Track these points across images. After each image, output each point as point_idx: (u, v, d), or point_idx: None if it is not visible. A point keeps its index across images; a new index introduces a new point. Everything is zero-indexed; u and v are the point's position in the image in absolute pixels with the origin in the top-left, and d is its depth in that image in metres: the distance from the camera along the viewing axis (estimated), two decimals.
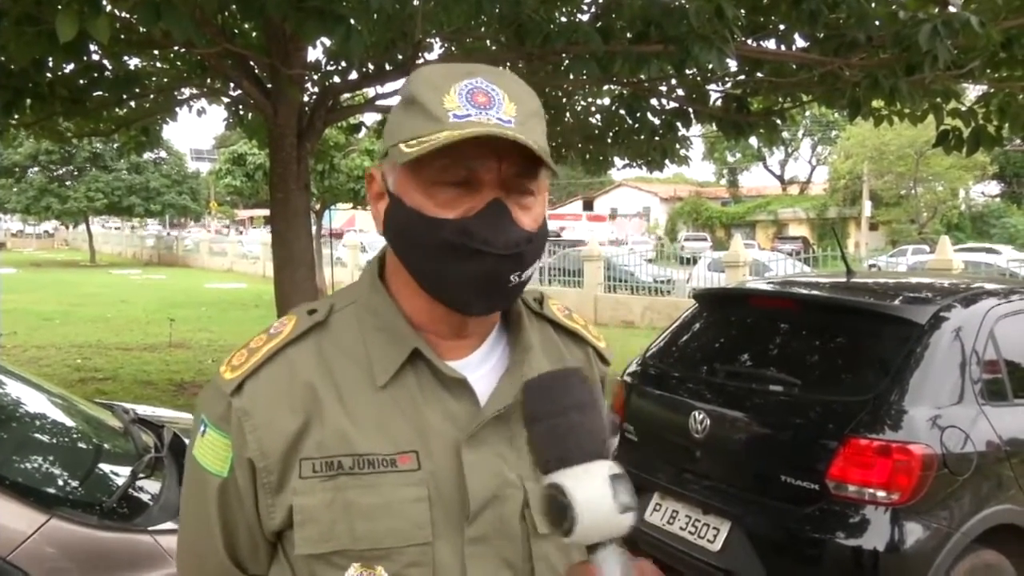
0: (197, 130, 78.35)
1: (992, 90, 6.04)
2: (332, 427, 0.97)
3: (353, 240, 26.70)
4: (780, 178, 55.72)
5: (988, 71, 5.67)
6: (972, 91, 6.19)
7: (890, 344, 3.33)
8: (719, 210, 47.08)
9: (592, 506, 0.79)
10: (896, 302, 3.59)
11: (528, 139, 0.92)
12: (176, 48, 6.14)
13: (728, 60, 5.00)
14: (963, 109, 6.12)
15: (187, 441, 2.58)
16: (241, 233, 42.15)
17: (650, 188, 52.21)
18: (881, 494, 3.01)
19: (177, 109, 7.63)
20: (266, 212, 39.96)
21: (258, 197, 26.71)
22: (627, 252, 20.66)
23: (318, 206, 21.02)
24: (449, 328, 1.04)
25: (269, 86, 5.78)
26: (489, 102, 0.95)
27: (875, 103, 6.10)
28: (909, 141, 33.36)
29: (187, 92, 7.33)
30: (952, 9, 4.31)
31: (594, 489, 0.80)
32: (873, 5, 5.09)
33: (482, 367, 1.06)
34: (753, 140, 8.43)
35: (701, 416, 3.58)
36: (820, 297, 3.87)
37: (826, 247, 24.52)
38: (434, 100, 0.95)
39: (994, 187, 40.95)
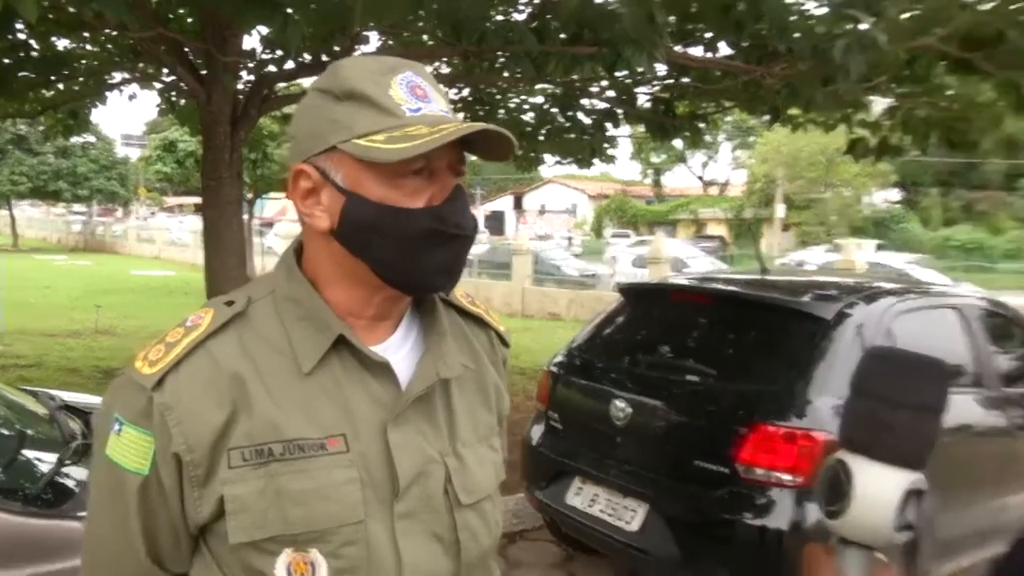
0: (128, 115, 75.81)
1: (896, 104, 6.30)
2: (260, 415, 0.96)
3: (285, 229, 26.22)
4: (701, 179, 56.76)
5: (893, 86, 5.92)
6: (877, 105, 6.45)
7: (798, 338, 3.46)
8: (643, 208, 47.68)
9: (869, 508, 0.72)
10: (804, 299, 3.73)
11: (483, 127, 0.96)
12: (108, 31, 5.96)
13: (657, 64, 5.10)
14: (870, 120, 6.36)
15: None
16: (180, 221, 40.93)
17: (578, 185, 52.55)
18: (787, 477, 3.13)
19: (107, 93, 7.38)
20: (195, 200, 39.01)
21: (188, 184, 26.03)
22: (556, 246, 20.88)
23: (250, 195, 20.62)
24: (375, 313, 1.05)
25: (203, 72, 5.66)
26: (425, 95, 0.98)
27: (793, 111, 6.31)
28: (820, 148, 34.40)
29: (118, 76, 7.11)
30: (864, 27, 4.47)
31: (882, 494, 0.71)
32: (794, 19, 5.26)
33: (400, 350, 1.07)
34: (678, 142, 8.60)
35: (622, 404, 3.66)
36: (736, 293, 4.00)
37: (742, 246, 25.11)
38: (381, 94, 0.96)
39: (895, 194, 42.48)
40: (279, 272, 1.07)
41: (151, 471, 0.98)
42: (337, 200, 0.99)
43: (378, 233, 0.98)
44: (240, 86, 6.16)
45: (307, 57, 6.26)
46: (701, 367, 3.69)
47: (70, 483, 2.46)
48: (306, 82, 7.18)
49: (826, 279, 4.60)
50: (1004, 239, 32.21)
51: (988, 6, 4.79)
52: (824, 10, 5.15)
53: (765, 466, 3.17)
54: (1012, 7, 4.81)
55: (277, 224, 29.18)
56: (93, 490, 1.05)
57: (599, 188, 51.56)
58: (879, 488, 0.71)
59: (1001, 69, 5.03)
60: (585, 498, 3.77)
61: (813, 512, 3.11)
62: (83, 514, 2.17)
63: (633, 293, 4.47)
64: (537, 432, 4.20)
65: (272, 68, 6.40)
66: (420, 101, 0.97)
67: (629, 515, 3.56)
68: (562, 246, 21.59)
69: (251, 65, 6.44)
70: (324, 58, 6.22)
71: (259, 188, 21.17)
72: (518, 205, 54.08)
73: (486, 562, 1.13)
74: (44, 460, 2.56)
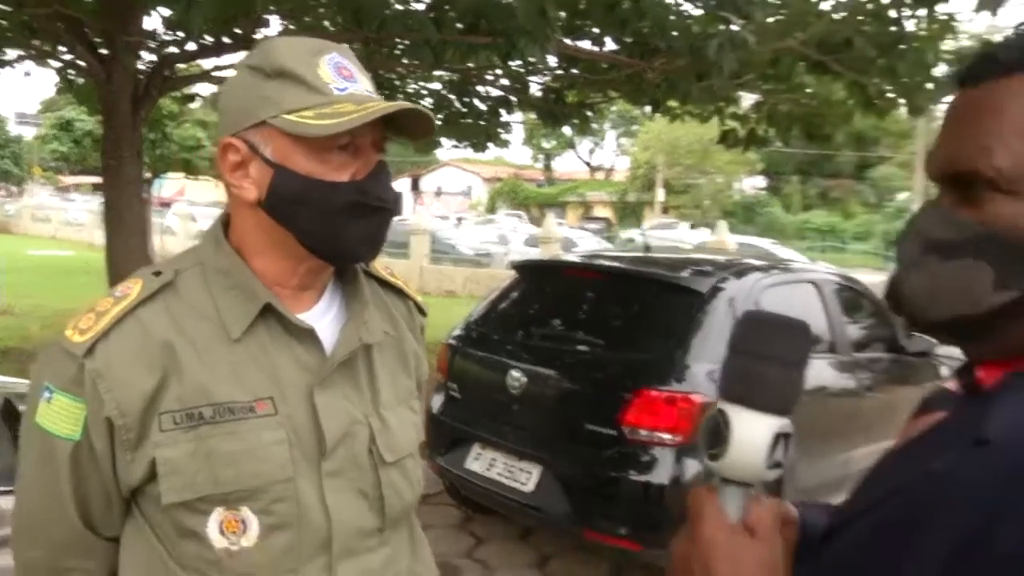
0: (22, 93, 70.90)
1: (763, 100, 6.57)
2: (190, 380, 0.97)
3: (183, 210, 25.26)
4: (588, 165, 57.57)
5: (760, 84, 6.17)
6: (747, 100, 6.72)
7: (677, 310, 3.60)
8: (535, 191, 48.03)
9: (746, 449, 0.76)
10: (683, 274, 3.87)
11: (408, 107, 0.98)
12: (1, 7, 5.58)
13: (549, 55, 5.15)
14: (740, 114, 6.62)
15: (20, 407, 2.41)
16: (73, 199, 38.57)
17: (473, 168, 52.42)
18: (668, 437, 3.27)
19: (0, 70, 6.92)
20: (92, 179, 36.91)
21: (85, 164, 24.62)
22: (451, 226, 20.87)
23: (148, 175, 19.70)
24: (300, 283, 1.06)
25: (103, 52, 5.37)
26: (351, 75, 0.99)
27: (672, 103, 6.49)
28: (697, 138, 35.39)
29: (12, 53, 6.65)
30: (735, 28, 4.64)
31: (755, 437, 0.76)
32: (673, 19, 5.40)
33: (324, 318, 1.08)
34: (567, 129, 8.72)
35: (517, 374, 3.73)
36: (622, 269, 4.11)
37: (625, 227, 25.71)
38: (310, 73, 0.97)
39: (761, 181, 44.26)
40: (207, 244, 1.07)
41: (82, 436, 0.97)
42: (265, 173, 0.99)
43: (304, 204, 0.99)
44: (141, 66, 5.87)
45: (208, 39, 6.03)
46: (590, 338, 3.79)
47: None
48: (207, 63, 6.92)
49: (702, 257, 4.79)
50: (854, 223, 34.03)
51: (840, 16, 5.06)
52: (700, 11, 5.32)
53: (648, 427, 3.30)
54: (859, 18, 5.10)
55: (176, 204, 28.07)
56: (23, 460, 1.03)
57: (493, 171, 51.58)
58: (752, 432, 0.76)
59: (849, 71, 5.32)
60: (483, 462, 3.83)
61: (692, 467, 3.26)
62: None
63: (527, 270, 4.54)
64: (438, 402, 4.22)
65: (174, 49, 6.14)
66: (347, 81, 0.98)
67: (524, 476, 3.64)
68: (457, 227, 21.61)
69: (152, 45, 6.16)
70: (225, 40, 6.01)
71: (158, 168, 20.23)
72: (415, 187, 53.58)
73: (409, 517, 1.16)
74: None
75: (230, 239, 1.06)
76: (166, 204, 25.91)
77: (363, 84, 1.00)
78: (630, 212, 39.37)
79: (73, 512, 1.00)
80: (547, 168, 56.18)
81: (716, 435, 0.77)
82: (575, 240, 18.65)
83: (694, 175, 40.00)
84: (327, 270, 1.09)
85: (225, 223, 1.08)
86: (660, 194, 39.85)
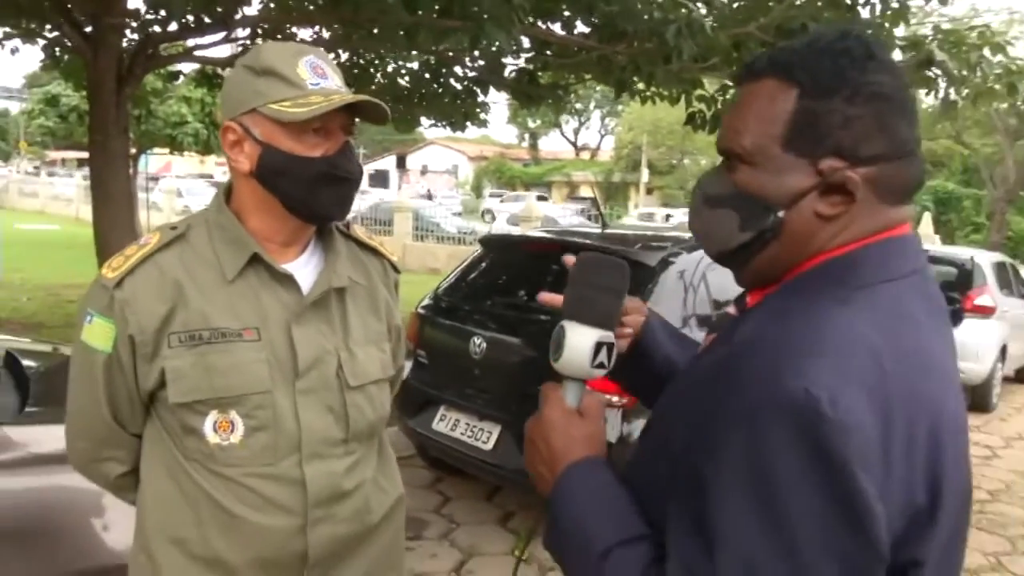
0: (5, 68, 69.94)
1: (728, 83, 6.76)
2: (194, 310, 1.24)
3: (169, 185, 25.27)
4: (574, 144, 57.59)
5: (726, 67, 6.35)
6: (714, 84, 6.89)
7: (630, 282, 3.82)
8: (520, 170, 48.08)
9: (576, 352, 1.00)
10: (635, 249, 4.08)
11: (363, 99, 1.23)
12: None
13: (516, 39, 5.32)
14: (707, 96, 6.80)
15: (20, 359, 2.65)
16: (56, 174, 38.25)
17: (459, 147, 52.39)
18: (615, 399, 3.49)
19: None
20: (79, 154, 36.66)
21: (71, 139, 24.52)
22: (435, 205, 20.98)
23: (134, 151, 19.68)
24: (284, 238, 1.32)
25: (89, 31, 5.51)
26: (324, 73, 1.24)
27: (639, 85, 6.67)
28: (678, 119, 35.57)
29: (0, 31, 6.77)
30: (691, 12, 4.82)
31: (584, 342, 1.00)
32: (640, 6, 5.57)
33: (305, 268, 1.34)
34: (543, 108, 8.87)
35: (479, 340, 3.95)
36: (577, 243, 4.31)
37: (610, 207, 25.90)
38: (290, 71, 1.21)
39: None
40: (212, 206, 1.34)
41: (113, 350, 1.24)
42: (255, 150, 1.25)
43: (285, 175, 1.24)
44: (126, 44, 6.01)
45: (191, 19, 6.17)
46: (546, 308, 4.01)
47: None
48: (190, 42, 7.05)
49: (658, 233, 5.00)
50: None
51: (798, 1, 5.25)
52: None
53: (599, 389, 3.51)
54: (818, 4, 5.30)
55: (162, 179, 27.99)
56: (72, 369, 1.30)
57: (479, 150, 51.56)
58: (580, 339, 1.00)
59: None
60: (448, 423, 4.06)
61: (637, 426, 3.49)
62: None
63: (491, 243, 4.75)
64: (407, 367, 4.43)
65: (157, 29, 6.27)
66: (320, 78, 1.23)
67: (485, 436, 3.88)
68: (446, 206, 21.76)
69: (136, 25, 6.29)
70: (207, 20, 6.15)
71: (144, 144, 20.18)
72: (401, 164, 53.50)
73: (374, 433, 1.41)
74: None
75: (232, 203, 1.32)
76: (154, 179, 25.81)
77: (333, 81, 1.24)
78: (615, 191, 39.54)
79: (107, 411, 1.28)
80: (533, 147, 56.16)
81: (558, 343, 1.02)
82: (558, 220, 18.82)
83: (677, 156, 40.15)
84: (308, 229, 1.34)
85: (228, 191, 1.33)
86: (644, 174, 40.01)
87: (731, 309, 1.01)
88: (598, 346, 1.00)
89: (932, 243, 13.79)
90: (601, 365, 1.01)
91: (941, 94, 5.63)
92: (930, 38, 5.48)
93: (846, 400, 0.73)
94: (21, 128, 34.93)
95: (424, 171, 52.65)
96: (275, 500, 1.25)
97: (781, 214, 0.87)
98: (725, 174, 0.93)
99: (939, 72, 5.43)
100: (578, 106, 50.84)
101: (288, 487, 1.26)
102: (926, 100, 7.84)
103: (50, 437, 1.81)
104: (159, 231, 1.30)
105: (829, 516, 0.72)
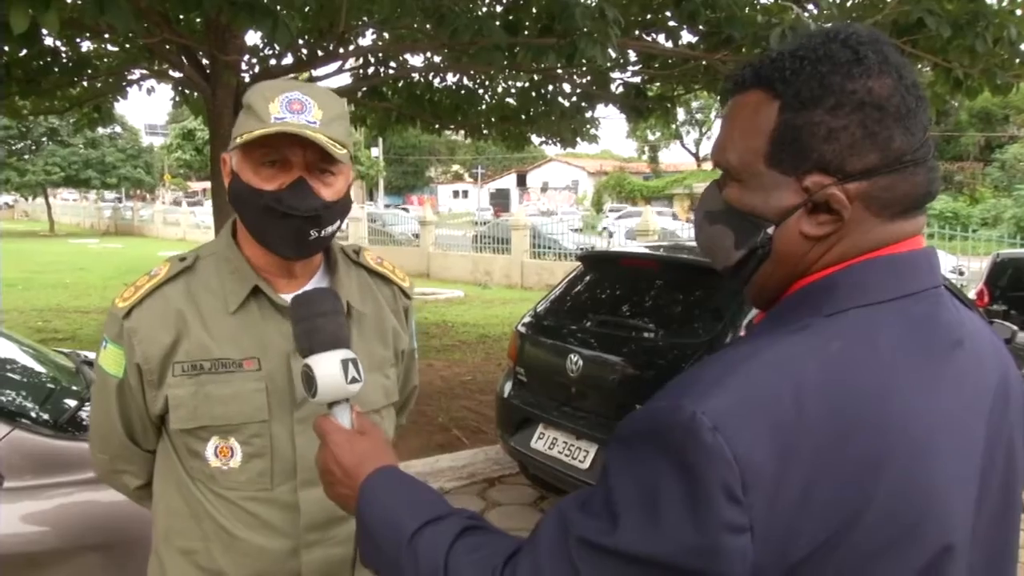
0: (152, 105, 75.89)
1: None
2: (196, 340, 1.28)
3: None
4: (695, 155, 56.52)
5: None
6: None
7: (725, 296, 3.72)
8: (641, 184, 47.63)
9: (328, 379, 1.07)
10: None
11: (321, 135, 1.20)
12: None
13: (613, 54, 5.30)
14: None
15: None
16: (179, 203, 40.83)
17: (579, 163, 52.54)
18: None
19: (127, 88, 7.66)
20: None
21: (206, 171, 26.24)
22: (555, 221, 21.06)
23: None
24: (279, 270, 1.34)
25: (208, 70, 5.91)
26: (302, 108, 1.22)
27: None
28: None
29: (136, 73, 7.37)
30: (797, 14, 4.67)
31: (331, 367, 1.07)
32: (747, 10, 5.44)
33: None
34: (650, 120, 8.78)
35: (575, 358, 3.94)
36: (674, 258, 4.25)
37: None
38: (262, 107, 1.23)
39: None
40: (222, 237, 1.38)
41: (124, 375, 1.31)
42: (231, 179, 1.29)
43: (243, 205, 1.28)
44: (247, 79, 6.40)
45: (304, 52, 6.51)
46: (644, 323, 3.96)
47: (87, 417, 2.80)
48: (304, 75, 7.42)
49: None
50: (980, 208, 32.06)
51: None
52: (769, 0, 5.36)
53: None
54: None
55: None
56: (93, 389, 1.41)
57: (598, 165, 51.51)
58: (327, 365, 1.07)
59: (926, 53, 5.23)
60: (546, 442, 4.06)
61: None
62: None
63: (590, 260, 4.74)
64: (508, 386, 4.48)
65: (273, 62, 6.65)
66: (293, 114, 1.21)
67: (582, 455, 3.86)
68: (566, 222, 21.78)
69: (254, 60, 6.69)
70: (319, 53, 6.47)
71: None
72: (521, 182, 54.13)
73: None
74: (70, 400, 2.93)
75: (237, 234, 1.37)
76: None
77: (309, 115, 1.21)
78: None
79: (120, 429, 1.35)
80: (653, 160, 55.50)
81: (308, 380, 1.08)
82: (677, 233, 18.51)
83: None
84: (306, 260, 1.34)
85: (235, 223, 1.38)
86: None
87: (743, 331, 0.99)
88: (344, 363, 1.07)
89: None
90: (354, 380, 1.08)
91: None
92: None
93: (732, 431, 0.71)
94: (165, 162, 37.70)
95: (544, 188, 53.07)
96: (271, 523, 1.30)
97: (771, 231, 0.84)
98: (721, 189, 0.90)
99: None
100: (698, 116, 49.96)
101: (282, 511, 1.31)
102: None
103: None
104: (169, 262, 1.35)
105: (679, 527, 0.72)
